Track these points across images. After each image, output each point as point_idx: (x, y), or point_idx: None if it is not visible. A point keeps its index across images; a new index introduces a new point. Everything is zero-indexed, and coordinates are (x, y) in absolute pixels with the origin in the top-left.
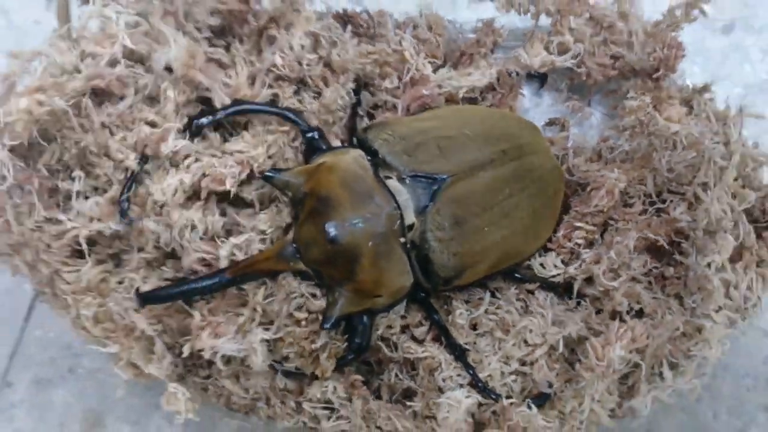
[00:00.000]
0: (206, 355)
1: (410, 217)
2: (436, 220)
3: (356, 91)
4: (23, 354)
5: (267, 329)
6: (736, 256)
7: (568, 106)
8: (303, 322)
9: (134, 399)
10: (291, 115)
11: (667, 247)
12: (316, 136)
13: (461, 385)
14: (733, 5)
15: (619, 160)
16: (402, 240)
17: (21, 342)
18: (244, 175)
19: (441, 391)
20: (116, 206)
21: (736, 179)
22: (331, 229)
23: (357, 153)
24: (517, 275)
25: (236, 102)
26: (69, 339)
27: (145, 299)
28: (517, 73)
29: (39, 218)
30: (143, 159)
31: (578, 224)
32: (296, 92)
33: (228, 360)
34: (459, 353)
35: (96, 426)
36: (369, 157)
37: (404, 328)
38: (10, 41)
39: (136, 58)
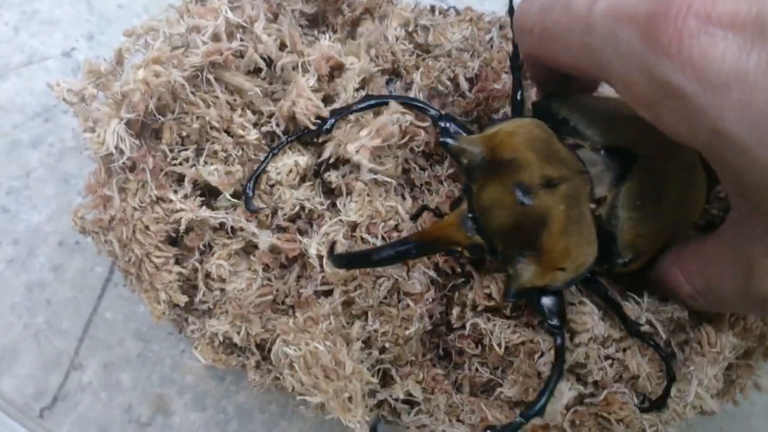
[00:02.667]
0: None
1: (602, 189)
2: (629, 197)
3: (517, 68)
4: (93, 337)
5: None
6: None
7: None
8: (394, 310)
9: (202, 385)
10: (421, 104)
11: None
12: (450, 124)
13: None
14: None
15: None
16: (593, 206)
17: (91, 324)
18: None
19: (539, 377)
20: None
21: None
22: (522, 190)
23: (536, 121)
24: None
25: (367, 97)
26: (138, 324)
27: (339, 261)
28: None
29: (146, 199)
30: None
31: None
32: (387, 83)
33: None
34: (637, 331)
35: (163, 411)
36: (554, 126)
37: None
38: (92, 26)
39: (242, 32)
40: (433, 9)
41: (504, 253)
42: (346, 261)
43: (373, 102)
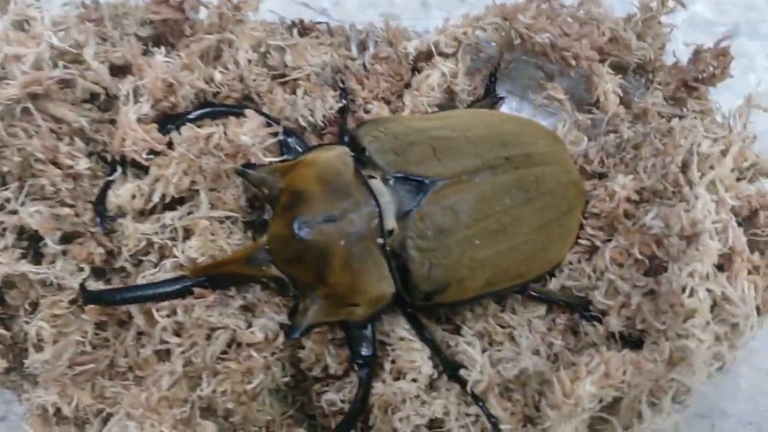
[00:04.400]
0: None
1: (390, 222)
2: (419, 227)
3: (343, 92)
4: None
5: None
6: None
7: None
8: (233, 364)
9: None
10: (268, 117)
11: (639, 257)
12: (291, 139)
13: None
14: (736, 8)
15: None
16: (380, 241)
17: None
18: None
19: None
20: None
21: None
22: (299, 225)
23: (342, 150)
24: (533, 293)
25: (206, 104)
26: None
27: (93, 297)
28: None
29: None
30: (114, 164)
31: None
32: None
33: None
34: (452, 371)
35: None
36: (356, 155)
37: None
38: None
39: (69, 59)
40: (291, 26)
41: (300, 288)
42: (98, 297)
43: (207, 110)
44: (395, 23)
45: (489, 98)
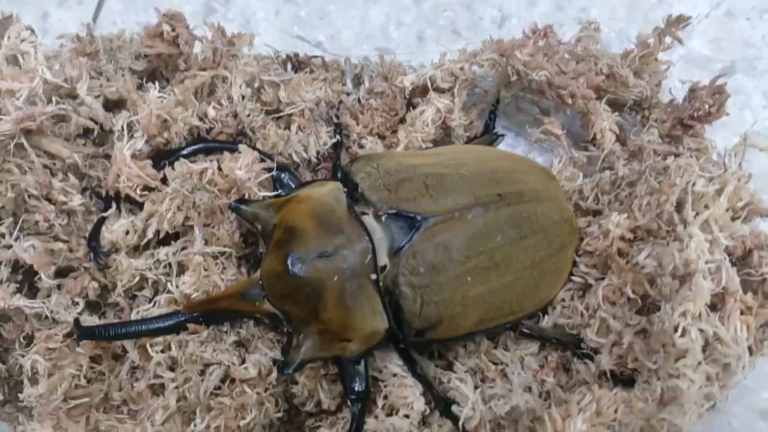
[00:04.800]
0: None
1: (383, 259)
2: (410, 264)
3: (337, 127)
4: None
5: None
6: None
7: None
8: (227, 399)
9: None
10: (263, 153)
11: (632, 296)
12: (284, 174)
13: None
14: (733, 45)
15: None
16: (374, 277)
17: None
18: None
19: None
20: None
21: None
22: (293, 261)
23: (335, 186)
24: (523, 330)
25: (199, 140)
26: None
27: (87, 332)
28: None
29: None
30: (108, 199)
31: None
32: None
33: None
34: (444, 407)
35: None
36: (349, 191)
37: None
38: None
39: (63, 93)
40: (286, 60)
41: (293, 324)
42: (92, 332)
43: (200, 146)
44: (390, 57)
45: (488, 135)
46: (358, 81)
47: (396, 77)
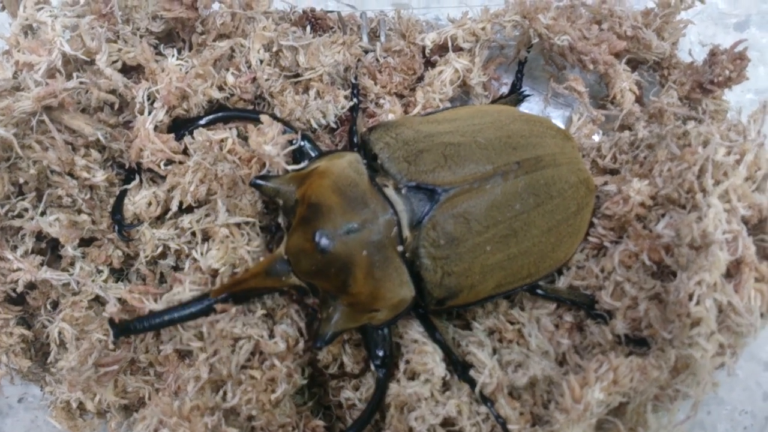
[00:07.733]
0: None
1: (405, 230)
2: (431, 236)
3: (354, 88)
4: None
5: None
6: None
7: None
8: (257, 373)
9: None
10: (282, 121)
11: (647, 263)
12: (306, 144)
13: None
14: None
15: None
16: (400, 248)
17: None
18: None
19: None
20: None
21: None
22: (321, 238)
23: (353, 157)
24: (539, 291)
25: (219, 108)
26: None
27: (121, 329)
28: None
29: None
30: (131, 171)
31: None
32: None
33: None
34: (462, 371)
35: None
36: (368, 161)
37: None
38: None
39: (81, 61)
40: (302, 16)
41: (321, 296)
42: (127, 327)
43: (219, 115)
44: (408, 13)
45: (515, 95)
46: (374, 34)
47: (414, 35)
